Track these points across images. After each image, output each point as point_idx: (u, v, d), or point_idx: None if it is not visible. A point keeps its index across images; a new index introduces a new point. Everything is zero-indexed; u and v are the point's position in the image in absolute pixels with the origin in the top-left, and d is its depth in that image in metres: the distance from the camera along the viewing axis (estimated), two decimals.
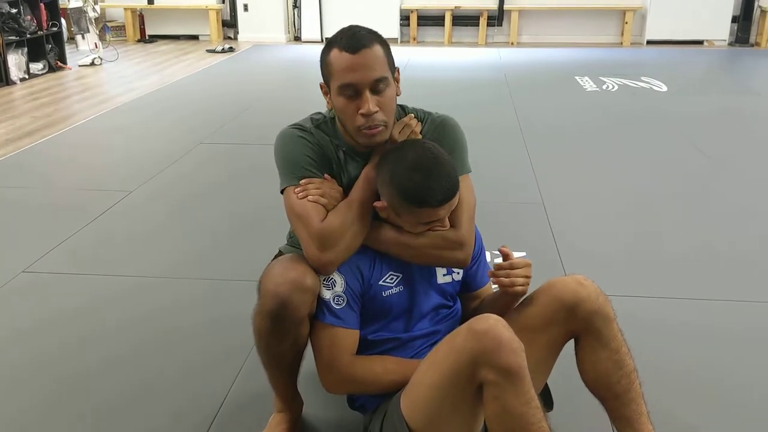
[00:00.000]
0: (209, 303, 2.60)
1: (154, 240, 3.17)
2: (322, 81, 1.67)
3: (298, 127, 1.74)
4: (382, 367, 1.62)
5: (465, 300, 1.82)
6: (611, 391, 1.59)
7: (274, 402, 1.85)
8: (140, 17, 9.75)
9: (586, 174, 4.00)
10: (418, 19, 9.64)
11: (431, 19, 9.73)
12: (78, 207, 3.52)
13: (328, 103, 1.69)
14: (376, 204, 1.60)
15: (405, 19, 9.67)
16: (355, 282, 1.62)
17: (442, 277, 1.72)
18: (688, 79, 7.05)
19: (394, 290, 1.66)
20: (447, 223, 1.60)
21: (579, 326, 1.58)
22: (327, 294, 1.60)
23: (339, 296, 1.60)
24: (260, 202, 3.64)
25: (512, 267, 1.60)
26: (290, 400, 1.83)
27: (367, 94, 1.56)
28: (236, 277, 2.78)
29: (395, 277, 1.66)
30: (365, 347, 1.67)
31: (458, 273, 1.75)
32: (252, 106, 5.87)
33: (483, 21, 9.53)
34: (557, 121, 5.29)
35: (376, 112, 1.56)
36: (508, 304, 1.67)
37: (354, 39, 1.58)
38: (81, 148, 4.68)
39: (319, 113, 1.78)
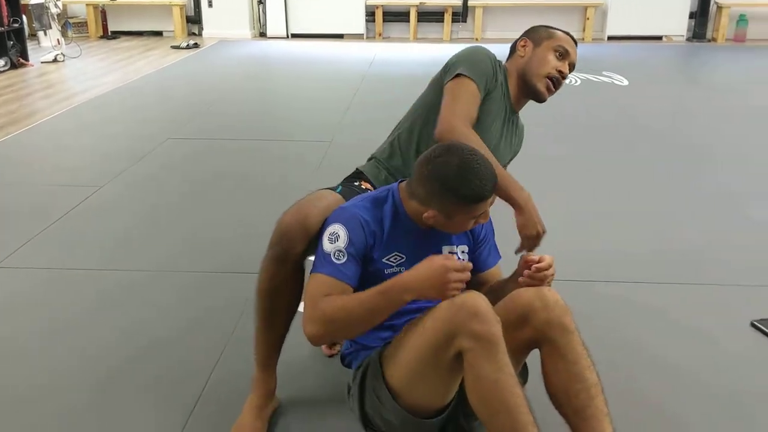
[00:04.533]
0: (182, 295, 2.62)
1: (126, 234, 3.18)
2: (525, 38, 2.10)
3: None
4: (355, 299, 1.57)
5: (471, 284, 1.80)
6: (569, 405, 1.57)
7: (252, 381, 1.89)
8: (102, 13, 9.63)
9: (549, 167, 4.09)
10: (383, 15, 9.69)
11: (396, 15, 9.78)
12: (47, 203, 3.50)
13: (522, 51, 2.09)
14: (425, 215, 1.63)
15: (370, 14, 9.71)
16: (360, 240, 1.63)
17: None
18: (648, 73, 7.21)
19: (395, 270, 1.67)
20: (488, 214, 1.67)
21: (535, 335, 1.61)
22: (329, 247, 1.61)
23: (340, 251, 1.61)
24: (230, 195, 3.67)
25: (549, 267, 1.66)
26: (270, 369, 1.89)
27: (567, 64, 2.07)
28: (210, 269, 2.81)
29: (399, 258, 1.68)
30: None
31: (463, 259, 1.77)
32: (219, 102, 5.86)
33: (448, 17, 9.61)
34: (521, 115, 5.37)
35: (565, 77, 2.06)
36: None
37: (573, 37, 2.12)
38: (47, 145, 4.64)
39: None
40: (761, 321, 2.40)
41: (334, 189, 1.93)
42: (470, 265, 1.52)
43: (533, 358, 1.67)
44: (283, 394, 1.97)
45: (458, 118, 1.88)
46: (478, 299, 1.48)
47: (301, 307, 1.74)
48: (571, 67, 2.09)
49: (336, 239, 1.61)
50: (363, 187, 1.98)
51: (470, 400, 1.51)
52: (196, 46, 8.80)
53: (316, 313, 1.57)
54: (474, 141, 1.81)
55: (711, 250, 3.03)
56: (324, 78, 6.99)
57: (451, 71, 2.01)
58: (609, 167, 4.13)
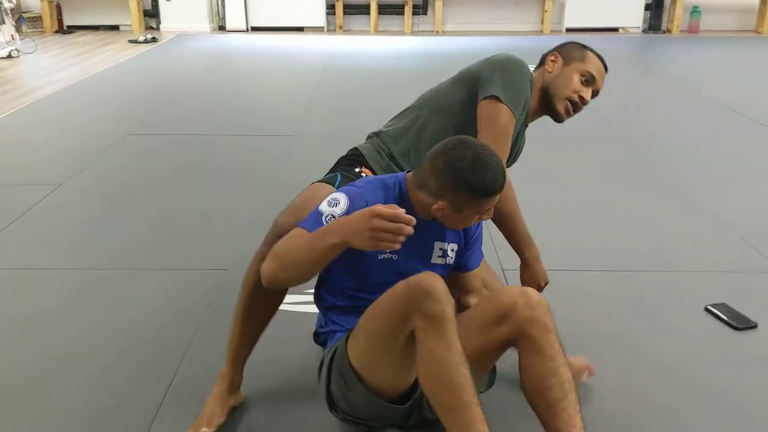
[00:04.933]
0: (146, 293, 2.61)
1: (87, 232, 3.15)
2: (557, 53, 2.08)
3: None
4: (299, 238, 1.59)
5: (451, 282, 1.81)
6: (543, 398, 1.61)
7: (219, 373, 1.92)
8: (57, 7, 9.44)
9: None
10: (344, 8, 9.68)
11: (357, 8, 9.78)
12: (5, 202, 3.45)
13: (550, 67, 2.07)
14: (435, 207, 1.65)
15: (331, 7, 9.69)
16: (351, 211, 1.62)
17: (436, 258, 1.78)
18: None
19: (387, 256, 1.70)
20: (492, 211, 1.70)
21: (514, 332, 1.65)
22: (325, 209, 1.62)
23: (333, 216, 1.60)
24: (192, 191, 3.65)
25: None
26: (238, 364, 1.92)
27: (591, 91, 2.05)
28: (173, 266, 2.80)
29: None
30: (342, 297, 1.75)
31: (451, 257, 1.81)
32: (178, 97, 5.81)
33: (408, 10, 9.64)
34: None
35: (586, 104, 2.05)
36: None
37: (604, 61, 2.10)
38: (3, 143, 4.55)
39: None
40: (714, 305, 2.48)
41: (331, 181, 1.92)
42: (403, 214, 1.45)
43: (504, 364, 1.71)
44: (249, 389, 1.99)
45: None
46: (432, 279, 1.52)
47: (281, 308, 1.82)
48: (595, 94, 2.07)
49: (335, 205, 1.61)
50: (363, 175, 1.96)
51: (419, 375, 1.56)
52: (154, 40, 8.69)
53: (271, 250, 1.61)
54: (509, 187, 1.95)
55: (666, 238, 3.11)
56: (285, 71, 6.97)
57: (489, 86, 1.94)
58: (565, 158, 4.20)
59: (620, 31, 9.72)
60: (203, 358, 2.16)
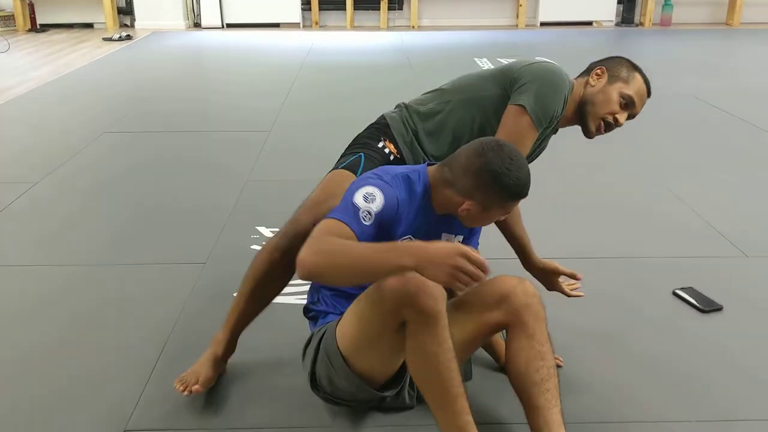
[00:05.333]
0: (123, 289, 2.63)
1: (63, 229, 3.15)
2: (604, 68, 2.04)
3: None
4: (358, 244, 1.59)
5: None
6: (529, 378, 1.68)
7: (213, 339, 2.02)
8: (30, 6, 9.35)
9: None
10: (319, 4, 9.68)
11: (333, 3, 9.78)
12: None
13: (593, 80, 2.04)
14: (464, 206, 1.68)
15: (306, 3, 9.68)
16: (390, 214, 1.66)
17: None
18: (579, 58, 7.31)
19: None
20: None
21: (508, 317, 1.73)
22: (361, 203, 1.62)
23: (370, 213, 1.62)
24: (168, 188, 3.66)
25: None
26: (234, 334, 2.02)
27: (626, 114, 2.03)
28: (150, 261, 2.82)
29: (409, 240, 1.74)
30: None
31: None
32: (153, 95, 5.80)
33: (384, 5, 9.66)
34: None
35: (619, 126, 2.04)
36: None
37: (649, 85, 2.06)
38: None
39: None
40: (682, 289, 2.55)
41: (354, 167, 1.96)
42: (487, 264, 1.46)
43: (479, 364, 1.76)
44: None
45: None
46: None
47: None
48: (631, 117, 2.05)
49: (372, 200, 1.63)
50: (387, 151, 2.01)
51: (409, 366, 1.63)
52: (128, 37, 8.64)
53: (317, 243, 1.55)
54: None
55: (634, 226, 3.18)
56: (262, 68, 6.97)
57: (522, 94, 1.95)
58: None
59: (594, 24, 9.82)
60: (181, 355, 2.19)
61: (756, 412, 1.94)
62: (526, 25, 9.81)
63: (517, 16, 9.82)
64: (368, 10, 9.81)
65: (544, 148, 2.21)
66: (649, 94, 2.06)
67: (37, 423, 1.90)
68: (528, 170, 1.68)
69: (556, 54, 7.41)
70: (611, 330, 2.34)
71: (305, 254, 1.52)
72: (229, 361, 2.06)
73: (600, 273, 2.73)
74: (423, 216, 1.75)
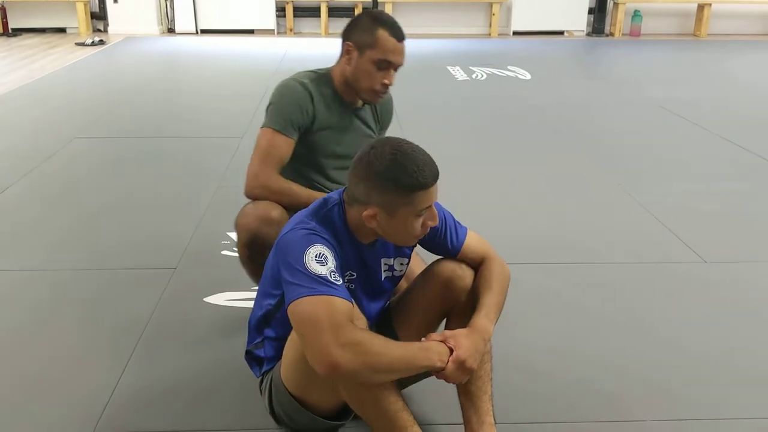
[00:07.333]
0: (93, 292, 2.65)
1: (33, 234, 3.15)
2: (351, 42, 2.08)
3: (299, 81, 2.16)
4: (394, 343, 1.55)
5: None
6: None
7: None
8: (2, 10, 9.28)
9: (454, 159, 4.27)
10: (294, 11, 9.72)
11: (307, 11, 9.83)
12: None
13: (346, 59, 2.10)
14: (366, 213, 1.59)
15: (281, 10, 9.72)
16: (337, 262, 1.59)
17: (384, 274, 1.80)
18: (550, 67, 7.53)
19: (350, 285, 1.69)
20: (437, 216, 1.65)
21: (452, 303, 1.76)
22: (321, 270, 1.51)
23: (334, 272, 1.53)
24: (140, 193, 3.67)
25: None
26: None
27: (392, 71, 2.09)
28: (120, 266, 2.83)
29: (351, 276, 1.72)
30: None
31: (400, 270, 1.83)
32: (126, 100, 5.79)
33: (358, 12, 9.73)
34: (430, 109, 5.58)
35: (391, 84, 2.10)
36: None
37: (400, 30, 2.08)
38: None
39: (314, 71, 2.21)
40: None
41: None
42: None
43: None
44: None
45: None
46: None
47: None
48: (397, 68, 2.14)
49: (325, 261, 1.53)
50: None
51: (350, 404, 1.62)
52: (101, 42, 8.61)
53: (347, 337, 1.45)
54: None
55: (596, 231, 3.25)
56: (235, 74, 6.98)
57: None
58: (511, 157, 4.34)
59: (565, 34, 9.97)
60: (152, 356, 2.21)
61: (708, 412, 2.01)
62: (499, 34, 9.93)
63: (491, 25, 9.94)
64: (342, 17, 9.86)
65: (379, 117, 2.36)
66: (400, 38, 2.06)
67: (2, 426, 1.91)
68: (422, 159, 1.56)
69: (528, 62, 7.54)
70: (573, 333, 2.40)
71: (337, 353, 1.43)
72: (203, 362, 2.08)
73: (561, 277, 2.79)
74: (352, 248, 1.70)
